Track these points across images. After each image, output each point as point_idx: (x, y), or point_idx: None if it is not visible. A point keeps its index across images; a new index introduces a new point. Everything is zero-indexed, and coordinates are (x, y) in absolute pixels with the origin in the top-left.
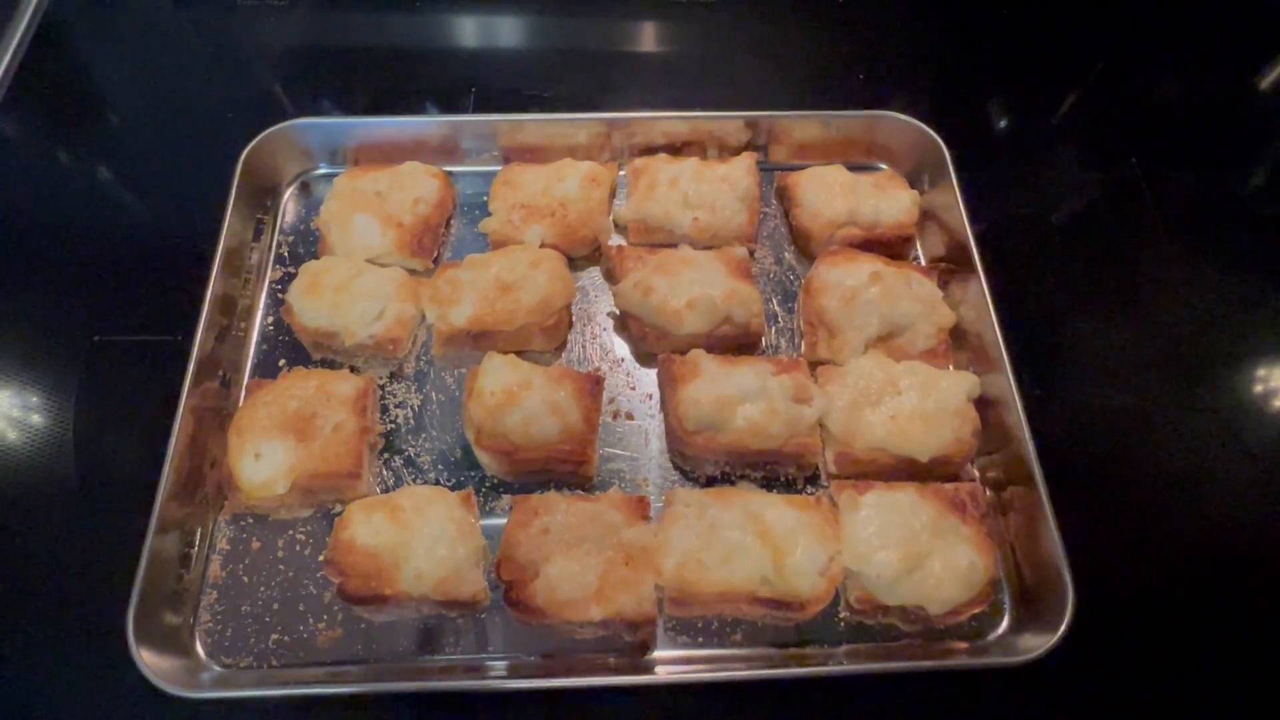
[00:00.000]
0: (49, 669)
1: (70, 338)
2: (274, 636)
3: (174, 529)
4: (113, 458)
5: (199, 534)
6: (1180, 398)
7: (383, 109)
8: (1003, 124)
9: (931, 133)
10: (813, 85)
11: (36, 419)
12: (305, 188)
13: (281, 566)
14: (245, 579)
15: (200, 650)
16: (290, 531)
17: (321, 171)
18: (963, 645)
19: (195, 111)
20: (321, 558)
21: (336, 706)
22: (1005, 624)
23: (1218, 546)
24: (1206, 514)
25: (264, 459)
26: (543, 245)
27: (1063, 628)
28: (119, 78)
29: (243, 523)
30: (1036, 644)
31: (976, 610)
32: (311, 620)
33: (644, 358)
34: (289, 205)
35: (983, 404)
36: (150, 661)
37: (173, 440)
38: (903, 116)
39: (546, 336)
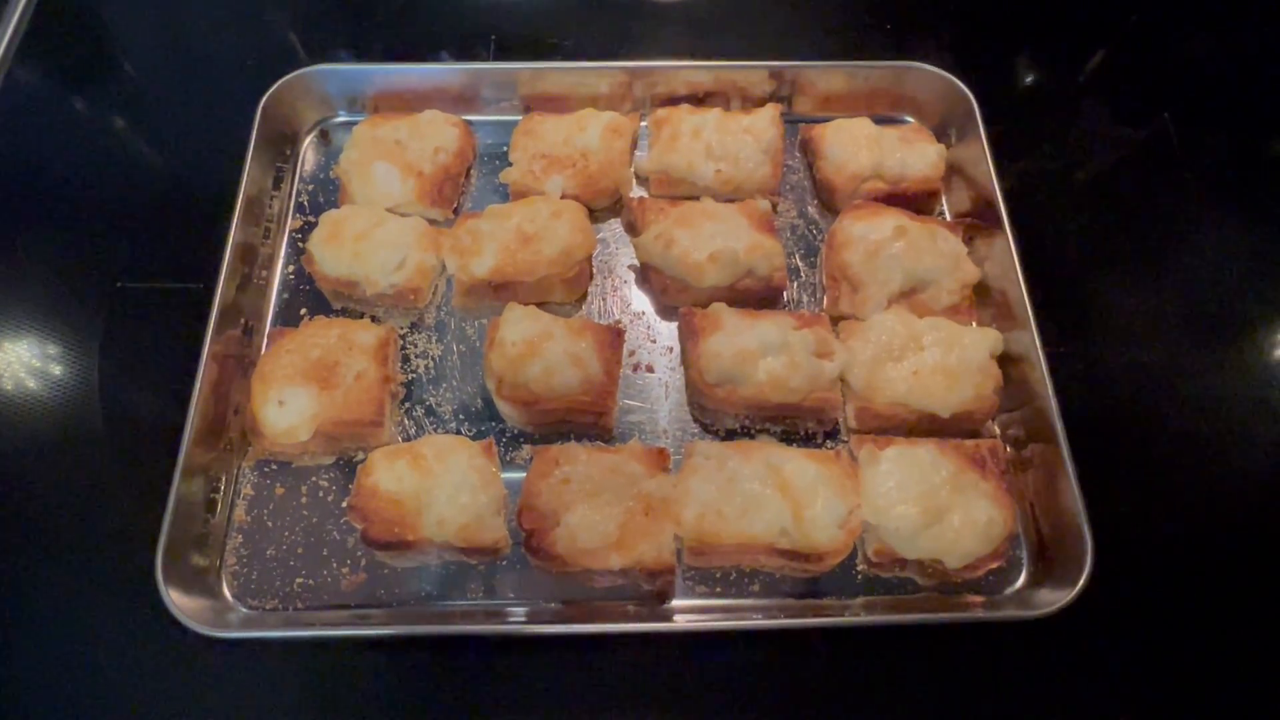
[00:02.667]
0: (80, 611)
1: (94, 285)
2: (299, 580)
3: (199, 474)
4: (138, 404)
5: (224, 479)
6: (1205, 357)
7: (399, 57)
8: (1033, 77)
9: (961, 85)
10: (838, 34)
11: (62, 366)
12: (324, 135)
13: (305, 512)
14: (270, 524)
15: (227, 592)
16: (313, 478)
17: (341, 119)
18: (979, 599)
19: (211, 59)
20: (345, 504)
21: (361, 648)
22: (1022, 579)
23: (1239, 506)
24: (1228, 473)
25: (287, 406)
26: (563, 196)
27: (1080, 583)
28: (134, 25)
29: (266, 469)
30: (1053, 598)
31: (994, 565)
32: (335, 565)
33: (664, 310)
34: (308, 153)
35: (1005, 361)
36: (179, 602)
37: (197, 386)
38: (931, 68)
39: (567, 288)
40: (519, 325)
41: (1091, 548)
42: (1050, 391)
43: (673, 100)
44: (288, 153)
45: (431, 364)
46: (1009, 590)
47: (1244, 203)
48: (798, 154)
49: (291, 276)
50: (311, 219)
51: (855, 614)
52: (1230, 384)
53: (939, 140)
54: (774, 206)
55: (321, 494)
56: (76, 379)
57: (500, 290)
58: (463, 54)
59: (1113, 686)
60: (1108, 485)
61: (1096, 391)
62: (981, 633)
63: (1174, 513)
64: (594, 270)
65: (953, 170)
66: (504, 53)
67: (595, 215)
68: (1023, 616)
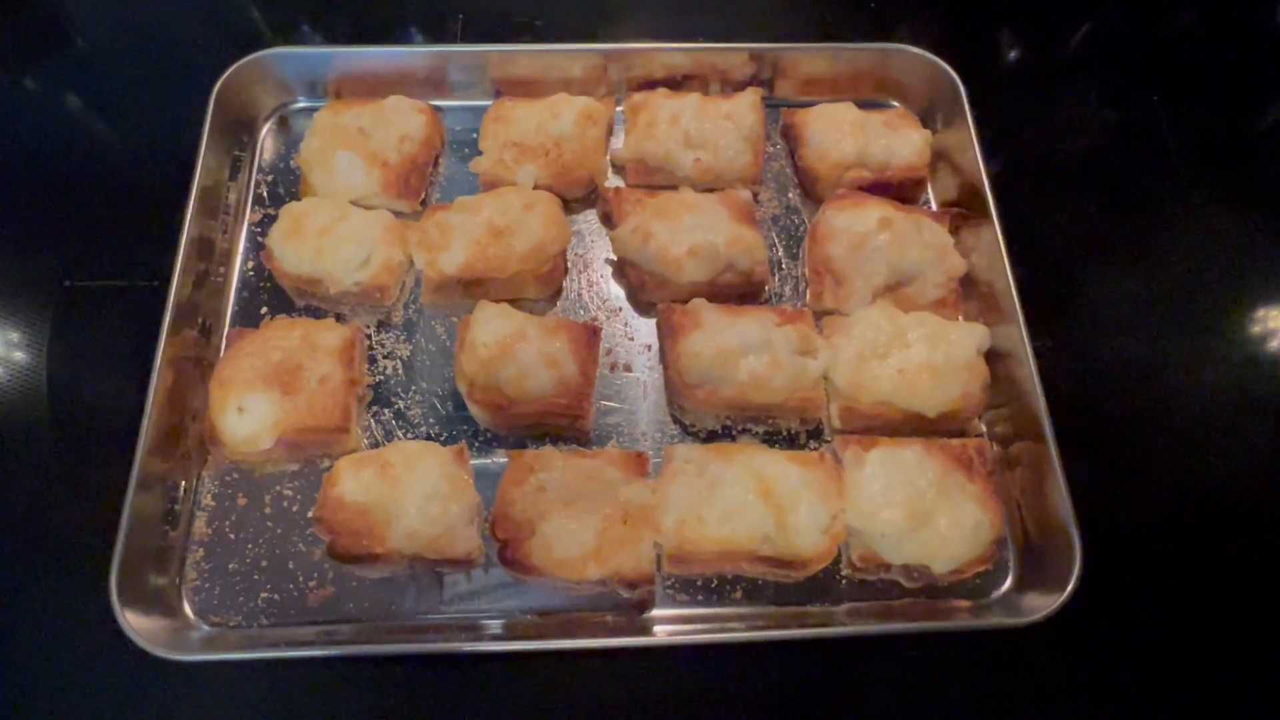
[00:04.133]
0: (29, 634)
1: (38, 283)
2: (263, 595)
3: (156, 485)
4: (88, 410)
5: (182, 489)
6: (1194, 349)
7: (364, 36)
8: (1021, 60)
9: (947, 68)
10: (820, 13)
11: (5, 372)
12: (284, 123)
13: (269, 523)
14: (232, 536)
15: (188, 609)
16: (277, 487)
17: (301, 105)
18: (965, 604)
19: (163, 38)
20: (311, 515)
21: (330, 665)
22: (1009, 582)
23: (1231, 504)
24: (1220, 470)
25: (248, 413)
26: (536, 186)
27: (1069, 588)
28: (82, 2)
29: (227, 478)
30: (1041, 604)
31: (981, 569)
32: (302, 578)
33: (642, 306)
34: (267, 141)
35: (992, 356)
36: (136, 623)
37: (151, 392)
38: (917, 50)
39: (541, 284)
40: (490, 325)
41: (1080, 551)
42: (1038, 388)
43: (649, 84)
44: (245, 140)
45: (400, 365)
46: (996, 593)
47: (1230, 188)
48: (779, 140)
49: (251, 273)
50: (271, 211)
51: (840, 622)
52: (1222, 378)
53: (924, 126)
54: (755, 196)
55: (286, 504)
56: (21, 386)
57: (471, 287)
58: (429, 33)
59: (1103, 695)
60: (1097, 484)
61: (1085, 387)
62: (969, 640)
63: (1165, 512)
64: (569, 264)
65: (938, 157)
66: (472, 32)
67: (570, 206)
68: (1010, 624)
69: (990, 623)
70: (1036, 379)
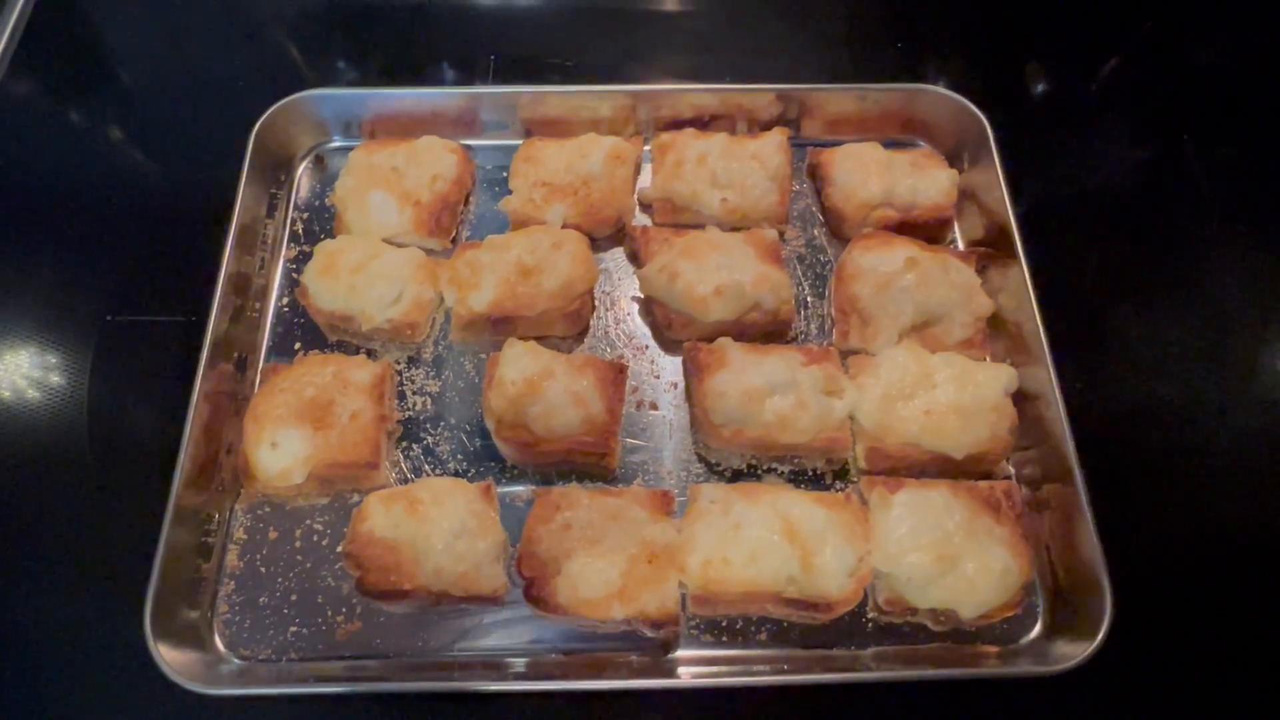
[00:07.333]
0: (63, 664)
1: (82, 317)
2: (292, 629)
3: (190, 518)
4: (127, 444)
5: (215, 521)
6: (1227, 390)
7: (398, 76)
8: (1048, 99)
9: (974, 108)
10: (847, 54)
11: (50, 405)
12: (320, 161)
13: (299, 557)
14: (263, 570)
15: (219, 642)
16: (308, 521)
17: (336, 144)
18: (993, 649)
19: (205, 80)
20: (340, 549)
21: (357, 701)
22: (1038, 628)
23: (1267, 549)
24: (1255, 514)
25: (281, 448)
26: (565, 225)
27: (1100, 636)
28: (127, 41)
29: (259, 511)
30: (1071, 652)
31: (1009, 614)
32: (330, 613)
33: (669, 344)
34: (303, 180)
35: (1020, 397)
36: (169, 657)
37: (188, 427)
38: (943, 90)
39: (568, 322)
40: (518, 363)
41: (1110, 599)
42: (1067, 430)
43: (677, 123)
44: (282, 179)
45: (429, 401)
46: (1025, 639)
47: (1267, 227)
48: (805, 179)
49: (286, 308)
50: (306, 248)
51: (866, 666)
52: (1256, 419)
53: (951, 165)
54: (781, 235)
55: (316, 538)
56: (62, 417)
57: (500, 324)
58: (461, 73)
59: None
60: (1128, 529)
61: (1115, 429)
62: (997, 688)
63: (1199, 558)
64: (596, 302)
65: (965, 196)
66: (505, 72)
67: (598, 244)
68: (1039, 673)
69: (1019, 670)
70: (1065, 421)
